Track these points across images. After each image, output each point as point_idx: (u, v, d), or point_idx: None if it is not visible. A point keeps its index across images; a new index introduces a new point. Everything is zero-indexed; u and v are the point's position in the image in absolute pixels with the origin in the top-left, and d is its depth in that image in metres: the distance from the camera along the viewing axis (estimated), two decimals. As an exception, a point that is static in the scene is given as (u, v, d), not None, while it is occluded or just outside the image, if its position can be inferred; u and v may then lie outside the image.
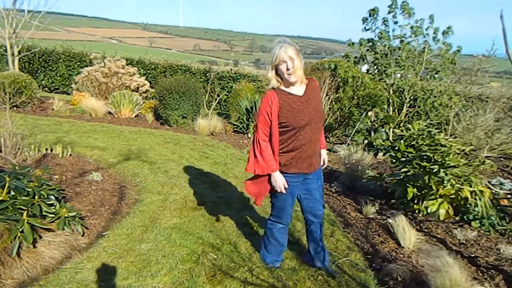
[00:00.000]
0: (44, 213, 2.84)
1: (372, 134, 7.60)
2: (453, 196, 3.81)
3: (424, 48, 7.73)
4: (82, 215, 3.32)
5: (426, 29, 7.80)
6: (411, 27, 7.81)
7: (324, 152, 2.80)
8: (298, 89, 2.48)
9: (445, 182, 3.63)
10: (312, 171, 2.60)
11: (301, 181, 2.62)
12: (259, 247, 2.94)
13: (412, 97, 7.81)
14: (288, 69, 2.36)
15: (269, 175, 2.54)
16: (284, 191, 2.50)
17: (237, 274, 2.70)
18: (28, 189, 2.81)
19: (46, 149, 4.88)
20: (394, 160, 4.10)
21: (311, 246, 2.83)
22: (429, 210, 3.83)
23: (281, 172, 2.52)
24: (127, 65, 9.67)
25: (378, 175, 4.60)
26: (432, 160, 3.65)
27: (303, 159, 2.51)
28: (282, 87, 2.48)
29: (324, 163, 2.80)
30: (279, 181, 2.49)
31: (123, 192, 4.06)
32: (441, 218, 3.80)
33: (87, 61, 11.57)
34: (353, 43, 8.88)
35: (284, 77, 2.40)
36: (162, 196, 4.05)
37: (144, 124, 7.92)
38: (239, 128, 7.93)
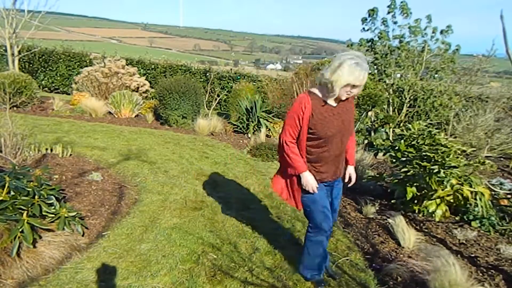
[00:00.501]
0: (44, 213, 2.84)
1: (372, 134, 7.60)
2: (453, 196, 3.81)
3: (424, 48, 7.73)
4: (82, 215, 3.32)
5: (425, 29, 7.80)
6: (409, 27, 7.81)
7: (351, 169, 2.69)
8: (335, 101, 2.37)
9: (445, 182, 3.63)
10: (334, 179, 2.56)
11: (327, 188, 2.57)
12: (299, 262, 2.74)
13: (412, 97, 7.81)
14: (351, 92, 2.24)
15: (299, 177, 2.47)
16: (315, 191, 2.42)
17: (237, 274, 2.70)
18: (28, 189, 2.82)
19: (46, 149, 4.88)
20: (394, 160, 4.10)
21: None
22: (430, 210, 3.83)
23: None
24: (127, 65, 9.67)
25: (378, 175, 4.60)
26: (433, 160, 3.65)
27: (326, 168, 2.46)
28: (318, 93, 2.36)
29: (351, 180, 2.68)
30: (310, 182, 2.41)
31: (123, 192, 4.06)
32: (437, 219, 3.79)
33: (87, 61, 11.57)
34: (352, 44, 8.88)
35: (338, 93, 2.24)
36: (162, 196, 4.05)
37: (144, 124, 7.92)
38: (239, 128, 7.93)
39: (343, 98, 2.28)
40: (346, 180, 2.66)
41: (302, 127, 2.34)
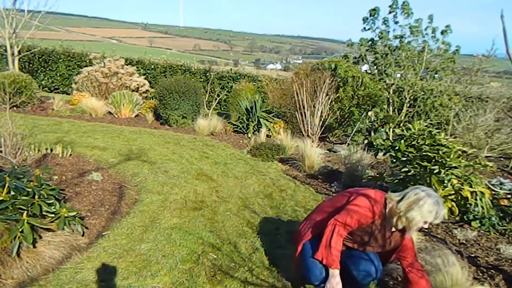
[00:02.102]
0: (44, 213, 2.84)
1: (372, 134, 7.60)
2: (455, 195, 3.81)
3: (424, 47, 7.74)
4: (82, 215, 3.32)
5: (425, 29, 7.81)
6: (410, 27, 7.82)
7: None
8: (393, 227, 2.28)
9: (446, 182, 3.63)
10: None
11: None
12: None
13: (412, 97, 7.81)
14: (419, 229, 2.21)
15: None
16: None
17: (237, 274, 2.70)
18: (28, 189, 2.81)
19: (46, 149, 4.88)
20: (394, 160, 4.10)
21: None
22: None
23: None
24: (126, 65, 9.67)
25: (378, 175, 4.60)
26: (433, 160, 3.65)
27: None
28: (386, 214, 2.24)
29: None
30: (337, 284, 2.21)
31: (123, 192, 4.06)
32: (446, 217, 3.81)
33: (87, 61, 11.58)
34: (352, 44, 8.88)
35: (406, 226, 2.17)
36: (162, 196, 4.04)
37: (144, 124, 7.92)
38: (239, 128, 7.93)
39: (408, 232, 2.23)
40: None
41: (355, 226, 2.27)
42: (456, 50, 7.93)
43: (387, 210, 2.23)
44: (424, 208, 2.08)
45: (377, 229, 2.27)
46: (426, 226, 2.17)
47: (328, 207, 2.51)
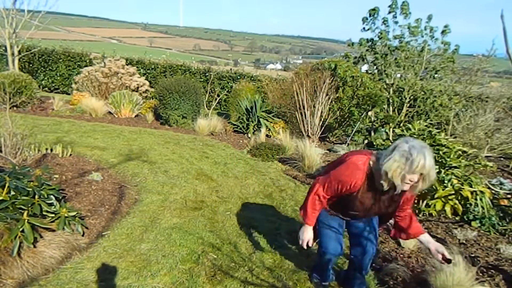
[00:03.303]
0: (44, 213, 2.84)
1: (372, 134, 7.60)
2: (456, 195, 3.81)
3: (423, 47, 7.73)
4: (82, 215, 3.32)
5: (425, 29, 7.81)
6: (408, 27, 7.82)
7: (428, 238, 2.29)
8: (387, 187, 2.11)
9: (446, 182, 3.63)
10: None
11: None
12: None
13: (412, 97, 7.81)
14: (411, 181, 1.92)
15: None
16: (304, 246, 2.38)
17: (237, 274, 2.70)
18: (28, 189, 2.81)
19: (46, 149, 4.88)
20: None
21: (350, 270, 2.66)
22: (436, 208, 3.84)
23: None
24: (127, 65, 9.67)
25: (378, 175, 4.60)
26: (433, 160, 3.64)
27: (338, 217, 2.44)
28: (376, 174, 2.07)
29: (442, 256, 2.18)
30: (305, 234, 2.36)
31: (123, 192, 4.06)
32: (449, 216, 3.82)
33: (87, 61, 11.57)
34: (352, 43, 8.88)
35: (395, 183, 1.95)
36: (162, 196, 4.05)
37: (144, 124, 7.92)
38: (239, 128, 7.93)
39: (398, 188, 1.98)
40: (439, 260, 2.20)
41: (339, 195, 2.24)
42: (455, 49, 7.92)
43: (373, 171, 2.09)
44: (399, 153, 1.88)
45: (369, 194, 2.16)
46: (410, 178, 1.90)
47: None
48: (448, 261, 2.10)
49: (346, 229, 2.51)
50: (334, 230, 2.40)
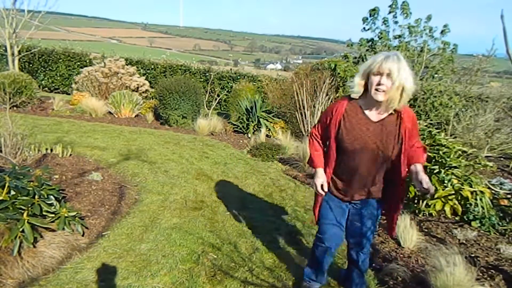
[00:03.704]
0: (44, 213, 2.84)
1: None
2: (456, 195, 3.81)
3: (423, 47, 7.73)
4: (82, 215, 3.32)
5: (424, 29, 7.80)
6: (408, 27, 7.82)
7: (419, 168, 2.06)
8: (377, 115, 2.05)
9: (446, 182, 3.63)
10: (355, 200, 2.26)
11: (347, 207, 2.32)
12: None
13: (412, 97, 7.81)
14: (379, 84, 1.91)
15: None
16: (319, 191, 2.19)
17: (237, 274, 2.70)
18: (28, 189, 2.82)
19: (46, 149, 4.88)
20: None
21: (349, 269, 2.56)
22: (436, 208, 3.84)
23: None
24: (126, 65, 9.67)
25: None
26: (433, 160, 3.65)
27: (347, 186, 2.22)
28: (361, 101, 2.07)
29: (425, 187, 1.95)
30: (317, 179, 2.19)
31: (123, 192, 4.06)
32: (449, 216, 3.83)
33: (87, 61, 11.57)
34: (352, 44, 8.88)
35: (371, 90, 1.95)
36: (162, 196, 4.05)
37: (144, 124, 7.92)
38: (239, 128, 7.93)
39: (375, 97, 1.94)
40: (418, 187, 1.99)
41: (330, 130, 2.14)
42: (453, 49, 7.92)
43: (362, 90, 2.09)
44: (375, 57, 1.94)
45: (357, 120, 2.07)
46: (381, 84, 1.91)
47: None
48: (427, 191, 1.96)
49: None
50: (335, 218, 2.29)
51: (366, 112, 2.05)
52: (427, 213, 3.95)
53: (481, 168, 4.06)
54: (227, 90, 11.00)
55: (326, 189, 2.19)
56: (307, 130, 7.20)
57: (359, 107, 2.07)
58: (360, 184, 2.18)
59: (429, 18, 7.82)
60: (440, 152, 3.63)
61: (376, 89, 1.92)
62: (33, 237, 2.62)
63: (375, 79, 1.92)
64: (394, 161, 2.11)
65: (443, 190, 3.77)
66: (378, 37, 8.21)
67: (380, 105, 2.00)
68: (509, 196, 3.99)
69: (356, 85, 2.03)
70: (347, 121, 2.08)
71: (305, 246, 3.21)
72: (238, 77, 11.41)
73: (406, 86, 1.91)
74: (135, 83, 9.32)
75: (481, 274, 2.85)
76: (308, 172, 5.46)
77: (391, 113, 2.03)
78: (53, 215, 2.88)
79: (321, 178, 2.19)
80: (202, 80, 11.38)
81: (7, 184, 2.72)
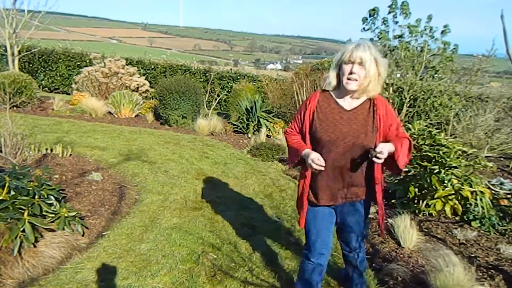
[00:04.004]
0: (44, 213, 2.84)
1: (372, 134, 7.59)
2: (456, 195, 3.82)
3: (423, 47, 7.73)
4: (82, 215, 3.32)
5: (424, 29, 7.80)
6: (408, 27, 7.82)
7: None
8: (350, 104, 2.02)
9: (446, 182, 3.63)
10: (336, 204, 2.11)
11: (333, 212, 2.18)
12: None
13: (412, 97, 7.81)
14: (351, 73, 1.90)
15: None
16: (318, 166, 1.93)
17: (237, 274, 2.70)
18: (28, 189, 2.82)
19: (46, 149, 4.88)
20: (394, 160, 4.10)
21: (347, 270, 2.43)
22: (436, 208, 3.85)
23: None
24: (127, 65, 9.67)
25: (378, 175, 4.60)
26: (433, 160, 3.65)
27: (324, 186, 2.07)
28: (333, 92, 2.07)
29: (378, 152, 1.87)
30: (310, 157, 1.95)
31: (123, 192, 4.06)
32: (449, 216, 3.83)
33: (87, 61, 11.58)
34: (352, 44, 8.87)
35: (343, 80, 1.94)
36: (162, 196, 4.05)
37: (144, 124, 7.92)
38: (239, 128, 7.93)
39: (347, 86, 1.93)
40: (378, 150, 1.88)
41: (305, 124, 2.08)
42: (454, 49, 7.92)
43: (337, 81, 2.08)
44: (347, 47, 1.94)
45: (331, 113, 2.03)
46: (353, 73, 1.90)
47: None
48: (371, 152, 1.87)
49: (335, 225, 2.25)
50: (321, 230, 2.14)
51: (339, 101, 2.04)
52: (427, 213, 3.94)
53: (481, 168, 4.06)
54: (227, 90, 11.00)
55: (323, 162, 1.94)
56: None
57: (331, 98, 2.06)
58: (341, 182, 2.06)
59: (429, 18, 7.82)
60: (440, 152, 3.63)
61: (348, 78, 1.92)
62: (33, 237, 2.62)
63: (346, 68, 1.92)
64: None
65: (443, 190, 3.77)
66: (378, 37, 8.20)
67: (353, 95, 2.00)
68: (509, 196, 3.99)
69: (332, 78, 2.03)
70: (320, 112, 2.05)
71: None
72: (238, 77, 11.41)
73: (379, 74, 1.92)
74: (135, 83, 9.32)
75: (481, 274, 2.85)
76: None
77: (364, 102, 2.02)
78: (53, 215, 2.88)
79: (313, 154, 1.96)
80: (202, 80, 11.38)
81: (7, 184, 2.72)
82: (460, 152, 3.88)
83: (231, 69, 12.24)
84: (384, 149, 1.87)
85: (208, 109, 8.91)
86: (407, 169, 3.86)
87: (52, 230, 2.85)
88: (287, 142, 2.22)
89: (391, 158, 1.95)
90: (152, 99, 9.26)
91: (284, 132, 2.29)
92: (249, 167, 5.51)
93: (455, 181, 3.74)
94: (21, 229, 2.58)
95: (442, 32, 7.77)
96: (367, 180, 2.09)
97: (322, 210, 2.15)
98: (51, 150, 4.94)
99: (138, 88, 9.41)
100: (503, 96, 7.54)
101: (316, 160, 1.93)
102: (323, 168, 1.94)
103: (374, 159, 1.87)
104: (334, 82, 2.03)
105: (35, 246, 2.67)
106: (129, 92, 8.44)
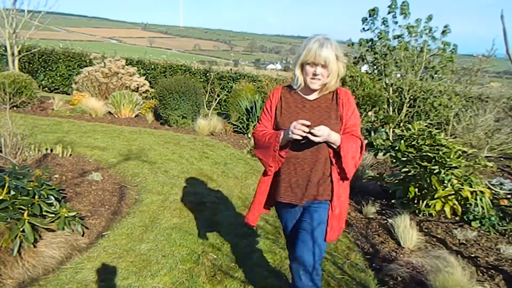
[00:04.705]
0: (44, 213, 2.84)
1: (372, 134, 7.60)
2: (456, 195, 3.82)
3: (423, 48, 7.73)
4: (82, 215, 3.32)
5: (424, 29, 7.81)
6: (407, 27, 7.82)
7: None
8: (313, 94, 2.00)
9: (446, 182, 3.63)
10: (300, 202, 1.96)
11: (297, 211, 2.06)
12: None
13: (411, 97, 7.82)
14: (315, 74, 1.88)
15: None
16: (300, 133, 1.77)
17: (237, 274, 2.70)
18: (28, 189, 2.81)
19: (46, 149, 4.88)
20: (394, 160, 4.10)
21: None
22: (436, 208, 3.85)
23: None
24: (127, 65, 9.67)
25: (378, 175, 4.60)
26: (433, 161, 3.65)
27: (288, 179, 1.97)
28: (296, 87, 2.02)
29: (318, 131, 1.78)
30: (290, 129, 1.82)
31: (123, 192, 4.06)
32: (449, 216, 3.83)
33: (87, 61, 11.58)
34: (352, 44, 8.88)
35: (306, 79, 1.92)
36: (162, 196, 4.05)
37: (144, 124, 7.92)
38: (239, 128, 7.93)
39: (311, 85, 1.91)
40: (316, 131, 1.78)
41: (271, 117, 2.04)
42: (453, 49, 7.92)
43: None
44: (310, 46, 1.87)
45: (294, 103, 2.01)
46: (317, 74, 1.87)
47: None
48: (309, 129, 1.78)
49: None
50: (294, 231, 2.06)
51: (302, 93, 2.02)
52: (427, 213, 3.95)
53: (481, 168, 4.06)
54: (227, 90, 11.00)
55: (307, 129, 1.78)
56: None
57: (293, 89, 2.04)
58: (306, 177, 1.93)
59: (429, 18, 7.82)
60: (440, 152, 3.63)
61: (312, 78, 1.90)
62: (33, 237, 2.62)
63: (310, 70, 1.89)
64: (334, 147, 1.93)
65: (443, 190, 3.78)
66: (378, 37, 8.21)
67: (315, 89, 1.97)
68: (509, 196, 3.99)
69: (298, 77, 1.96)
70: (284, 102, 2.03)
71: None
72: (238, 77, 11.42)
73: (341, 72, 1.93)
74: (135, 83, 9.32)
75: (481, 274, 2.85)
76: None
77: (327, 93, 2.00)
78: (53, 215, 2.88)
79: (290, 126, 1.83)
80: (202, 80, 11.39)
81: (7, 184, 2.72)
82: (460, 152, 3.88)
83: (231, 69, 12.25)
84: (324, 131, 1.78)
85: (208, 109, 8.91)
86: (407, 169, 3.86)
87: (52, 230, 2.85)
88: (257, 139, 2.04)
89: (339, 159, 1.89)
90: (152, 99, 9.26)
91: (252, 134, 2.16)
92: (249, 167, 5.51)
93: (455, 181, 3.74)
94: (21, 229, 2.58)
95: (443, 32, 7.78)
96: (329, 178, 1.96)
97: (290, 207, 2.05)
98: (51, 150, 4.94)
99: (138, 88, 9.41)
100: (503, 96, 7.54)
101: (298, 127, 1.78)
102: (307, 129, 1.78)
103: (309, 135, 1.77)
104: (301, 80, 1.96)
105: (35, 246, 2.67)
106: (129, 92, 8.44)
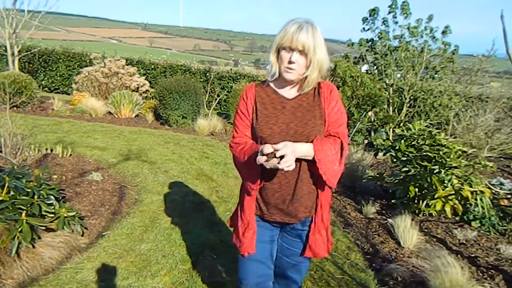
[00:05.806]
0: (43, 213, 2.83)
1: (372, 134, 7.60)
2: (456, 195, 3.82)
3: (423, 48, 7.73)
4: (82, 215, 3.32)
5: (425, 29, 7.81)
6: (408, 28, 7.82)
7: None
8: (291, 91, 1.69)
9: (446, 182, 3.63)
10: (282, 220, 1.75)
11: (275, 232, 1.86)
12: None
13: (412, 97, 7.82)
14: (290, 62, 1.56)
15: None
16: (270, 164, 1.44)
17: (237, 274, 2.70)
18: (28, 189, 2.81)
19: (46, 149, 4.88)
20: (394, 160, 4.10)
21: None
22: (436, 208, 3.85)
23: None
24: (127, 65, 9.67)
25: (378, 175, 4.60)
26: (433, 160, 3.65)
27: (268, 192, 1.71)
28: (271, 82, 1.73)
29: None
30: (264, 148, 1.45)
31: (123, 192, 4.06)
32: (449, 216, 3.83)
33: (87, 61, 11.58)
34: (352, 44, 8.88)
35: (281, 67, 1.62)
36: (162, 196, 4.05)
37: (144, 124, 7.92)
38: (239, 128, 7.93)
39: (286, 75, 1.60)
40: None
41: (247, 121, 1.74)
42: (455, 50, 7.92)
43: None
44: (287, 28, 1.56)
45: (270, 102, 1.70)
46: (292, 62, 1.56)
47: None
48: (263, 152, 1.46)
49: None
50: (261, 252, 1.82)
51: (279, 91, 1.71)
52: (427, 213, 3.94)
53: (481, 168, 4.05)
54: (227, 90, 11.00)
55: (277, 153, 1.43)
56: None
57: (270, 88, 1.73)
58: (289, 189, 1.68)
59: (430, 18, 7.82)
60: (440, 152, 3.63)
61: (287, 67, 1.59)
62: (31, 237, 2.61)
63: (286, 55, 1.57)
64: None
65: (443, 190, 3.77)
66: (378, 37, 8.21)
67: (293, 83, 1.67)
68: (509, 196, 3.99)
69: (274, 65, 1.65)
70: (259, 103, 1.70)
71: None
72: (238, 77, 11.41)
73: (323, 65, 1.61)
74: (135, 83, 9.32)
75: (481, 274, 2.85)
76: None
77: (311, 88, 1.68)
78: (52, 215, 2.88)
79: (266, 145, 1.46)
80: (202, 80, 11.38)
81: (6, 184, 2.72)
82: (460, 152, 3.88)
83: (231, 69, 12.25)
84: (288, 148, 1.43)
85: (208, 109, 8.91)
86: (407, 169, 3.86)
87: (52, 230, 2.85)
88: (236, 156, 1.79)
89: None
90: (152, 99, 9.26)
91: (230, 148, 1.86)
92: (249, 167, 5.50)
93: (455, 181, 3.74)
94: (19, 229, 2.58)
95: (443, 32, 7.78)
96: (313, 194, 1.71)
97: (268, 226, 1.83)
98: (51, 150, 4.94)
99: (138, 88, 9.41)
100: (503, 96, 7.54)
101: (261, 160, 1.46)
102: (278, 149, 1.44)
103: (278, 166, 1.41)
104: (274, 69, 1.65)
105: (33, 246, 2.67)
106: (129, 92, 8.44)
